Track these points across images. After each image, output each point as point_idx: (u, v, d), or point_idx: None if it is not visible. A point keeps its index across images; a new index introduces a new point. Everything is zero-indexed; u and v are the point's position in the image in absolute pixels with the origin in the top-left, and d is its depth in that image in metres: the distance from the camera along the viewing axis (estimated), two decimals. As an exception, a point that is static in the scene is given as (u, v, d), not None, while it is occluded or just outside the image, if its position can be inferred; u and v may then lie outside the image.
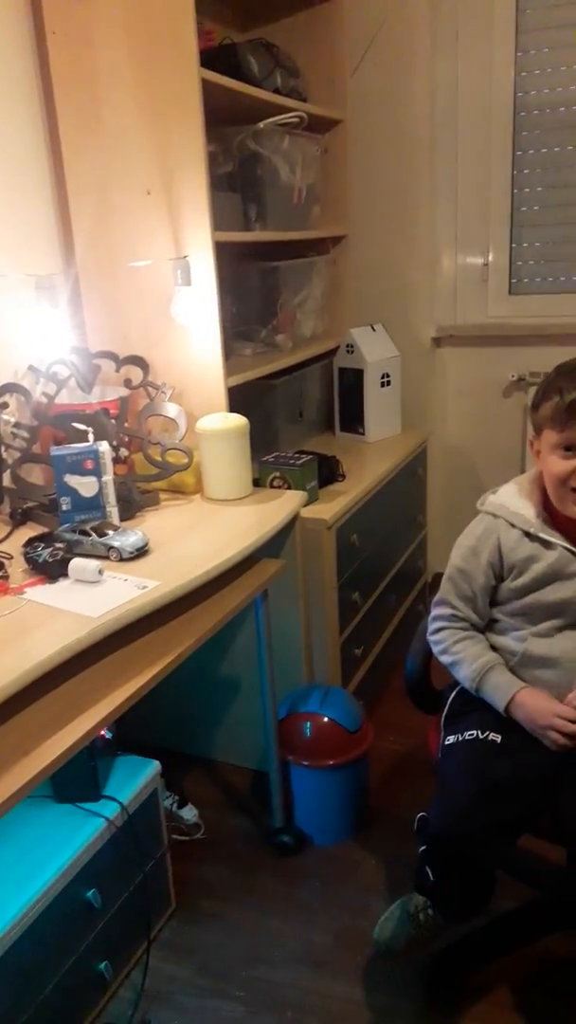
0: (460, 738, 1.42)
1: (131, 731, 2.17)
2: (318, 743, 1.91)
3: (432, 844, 1.36)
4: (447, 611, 1.51)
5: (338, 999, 1.58)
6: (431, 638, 1.54)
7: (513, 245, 2.70)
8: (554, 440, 1.36)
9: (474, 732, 1.41)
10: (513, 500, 1.47)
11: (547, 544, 1.41)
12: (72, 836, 1.48)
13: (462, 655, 1.47)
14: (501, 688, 1.41)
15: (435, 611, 1.54)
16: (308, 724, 1.92)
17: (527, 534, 1.43)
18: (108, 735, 1.63)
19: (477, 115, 2.61)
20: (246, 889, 1.85)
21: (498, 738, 1.39)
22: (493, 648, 1.48)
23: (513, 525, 1.45)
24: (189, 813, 2.03)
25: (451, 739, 1.44)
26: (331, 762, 1.90)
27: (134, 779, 1.63)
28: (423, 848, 1.41)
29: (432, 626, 1.54)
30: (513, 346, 2.74)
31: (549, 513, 1.43)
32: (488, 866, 1.40)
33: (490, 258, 2.73)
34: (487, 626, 1.52)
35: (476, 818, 1.30)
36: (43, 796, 1.56)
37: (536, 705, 1.37)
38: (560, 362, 1.41)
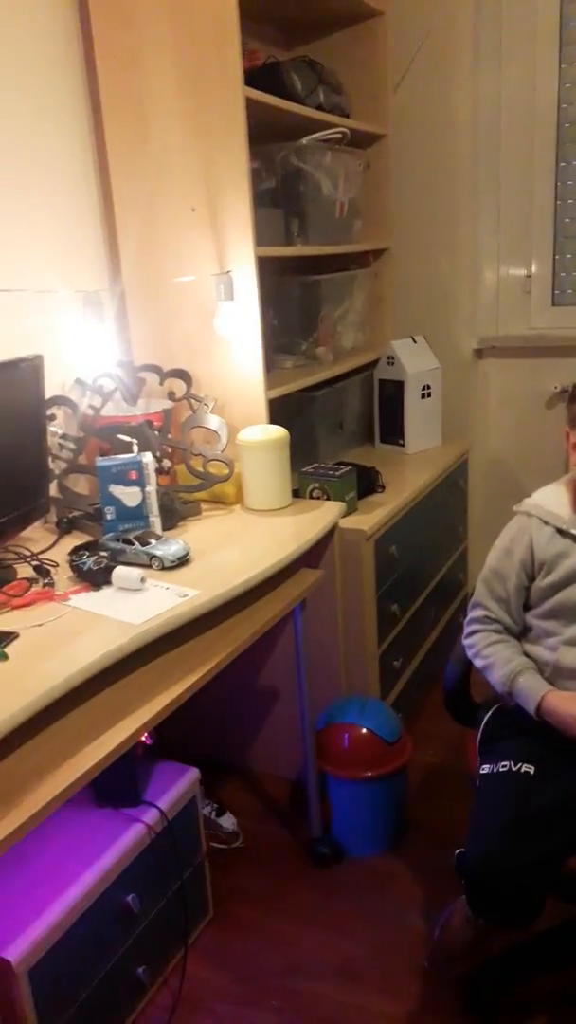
0: (494, 769, 1.41)
1: (171, 738, 2.20)
2: (356, 754, 1.91)
3: (470, 883, 1.34)
4: (481, 613, 1.52)
5: (374, 1013, 1.57)
6: (465, 641, 1.55)
7: (556, 256, 2.68)
8: None
9: (507, 763, 1.40)
10: (548, 499, 1.48)
11: None
12: (113, 840, 1.50)
13: (493, 658, 1.47)
14: (530, 691, 1.40)
15: (470, 614, 1.55)
16: (346, 735, 1.92)
17: (559, 531, 1.44)
18: (149, 741, 1.66)
19: (520, 127, 2.60)
20: (283, 899, 1.86)
21: (531, 769, 1.38)
22: (527, 655, 1.48)
23: (546, 523, 1.46)
24: (228, 821, 2.05)
25: (486, 768, 1.43)
26: (369, 773, 1.90)
27: (174, 785, 1.65)
28: (464, 883, 1.38)
29: (467, 629, 1.55)
30: (556, 357, 2.72)
31: None
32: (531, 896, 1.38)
33: (533, 269, 2.71)
34: (522, 634, 1.51)
35: (511, 858, 1.27)
36: (85, 799, 1.59)
37: (567, 709, 1.35)
38: None
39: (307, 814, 1.98)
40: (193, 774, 1.70)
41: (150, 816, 1.57)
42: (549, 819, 1.31)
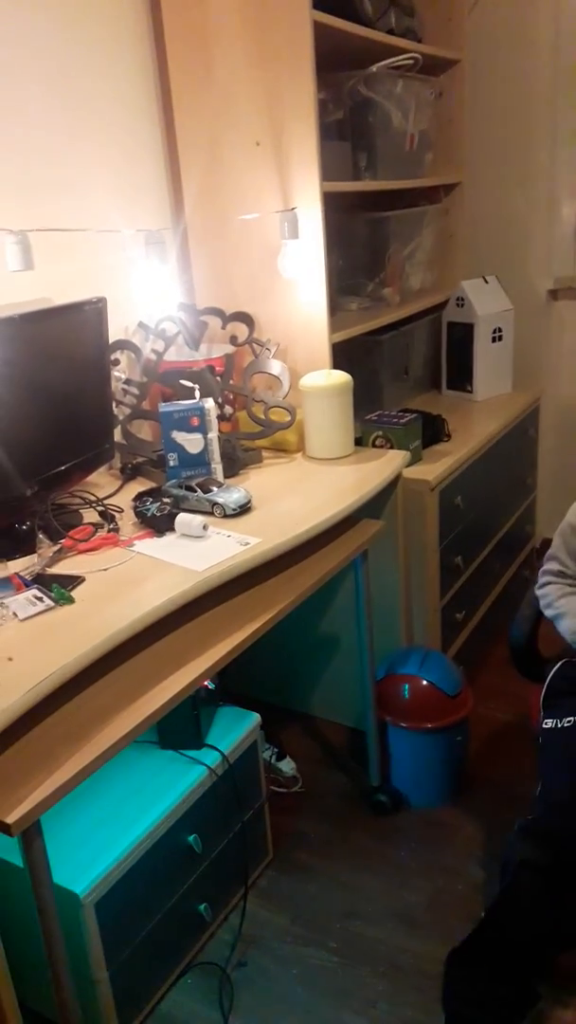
0: (558, 724, 1.40)
1: (233, 684, 2.22)
2: (416, 705, 1.90)
3: (532, 841, 1.30)
4: (556, 567, 1.51)
5: (432, 959, 1.58)
6: (538, 592, 1.53)
7: None
8: None
9: (571, 719, 1.39)
10: None
11: None
12: (175, 782, 1.53)
13: (564, 608, 1.46)
14: None
15: (545, 566, 1.54)
16: (406, 686, 1.90)
17: None
18: (211, 686, 1.67)
19: (606, 50, 2.42)
20: (341, 844, 1.87)
21: None
22: None
23: None
24: (287, 766, 2.07)
25: (549, 723, 1.42)
26: (429, 725, 1.88)
27: (235, 730, 1.67)
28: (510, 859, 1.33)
29: (540, 580, 1.54)
30: None
31: None
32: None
33: (615, 205, 2.55)
34: None
35: None
36: (149, 742, 1.62)
37: None
38: None
39: (366, 762, 1.98)
40: (254, 719, 1.71)
41: (212, 759, 1.59)
42: None
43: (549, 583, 1.53)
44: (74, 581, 1.34)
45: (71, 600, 1.29)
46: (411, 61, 2.19)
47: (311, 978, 1.57)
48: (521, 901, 1.31)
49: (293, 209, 1.87)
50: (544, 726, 1.43)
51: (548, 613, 1.51)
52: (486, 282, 2.54)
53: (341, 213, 2.27)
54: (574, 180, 2.58)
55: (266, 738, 2.06)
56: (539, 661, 1.61)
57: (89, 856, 1.37)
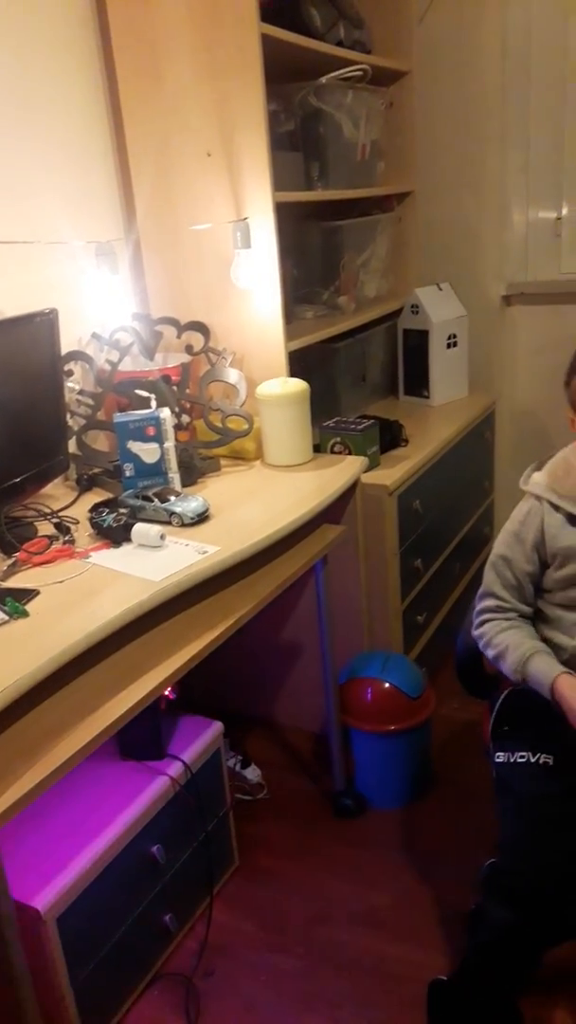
0: (511, 758, 1.36)
1: (196, 693, 2.22)
2: (379, 708, 1.91)
3: (498, 899, 1.26)
4: (492, 603, 1.43)
5: (398, 960, 1.60)
6: (475, 632, 1.45)
7: (589, 197, 2.57)
8: None
9: (525, 754, 1.34)
10: (558, 479, 1.37)
11: None
12: (137, 792, 1.52)
13: (505, 644, 1.38)
14: (542, 674, 1.32)
15: (480, 604, 1.46)
16: (369, 689, 1.92)
17: (572, 518, 1.34)
18: (173, 696, 1.67)
19: (551, 60, 2.47)
20: (308, 849, 1.88)
21: (550, 759, 1.33)
22: (544, 640, 1.40)
23: (557, 508, 1.35)
24: (252, 773, 2.07)
25: (502, 756, 1.38)
26: (392, 727, 1.90)
27: (198, 739, 1.67)
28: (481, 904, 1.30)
29: (477, 620, 1.46)
30: (588, 304, 2.63)
31: None
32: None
33: (564, 212, 2.60)
34: (537, 616, 1.43)
35: (546, 865, 1.21)
36: (110, 753, 1.61)
37: (573, 696, 1.27)
38: None
39: (331, 767, 1.99)
40: (217, 727, 1.71)
41: (174, 769, 1.59)
42: (572, 814, 1.25)
43: (486, 621, 1.43)
44: (28, 594, 1.33)
45: (25, 613, 1.28)
46: (361, 72, 2.22)
47: (279, 984, 1.57)
48: (496, 959, 1.30)
49: (245, 219, 1.89)
50: (496, 760, 1.39)
51: (489, 653, 1.41)
52: (440, 289, 2.58)
53: (295, 222, 2.29)
54: (524, 188, 2.63)
55: (231, 746, 2.07)
56: (484, 680, 1.58)
57: (50, 871, 1.36)
